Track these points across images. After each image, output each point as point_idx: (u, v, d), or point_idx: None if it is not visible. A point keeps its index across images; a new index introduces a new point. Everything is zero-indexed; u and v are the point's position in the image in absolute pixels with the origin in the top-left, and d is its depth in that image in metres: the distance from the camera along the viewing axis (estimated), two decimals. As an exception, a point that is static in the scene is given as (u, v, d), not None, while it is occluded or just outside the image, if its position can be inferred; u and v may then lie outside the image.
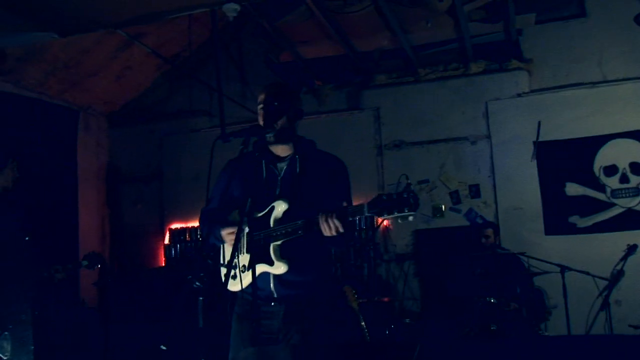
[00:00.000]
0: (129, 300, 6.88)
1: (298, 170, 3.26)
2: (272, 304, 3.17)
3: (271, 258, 3.09)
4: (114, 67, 8.16)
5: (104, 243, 9.04)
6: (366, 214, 2.85)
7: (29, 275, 3.45)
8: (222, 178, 3.47)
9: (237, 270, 3.19)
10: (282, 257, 3.11)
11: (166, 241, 8.85)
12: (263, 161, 3.29)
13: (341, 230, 2.92)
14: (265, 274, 3.13)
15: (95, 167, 9.01)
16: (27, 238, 3.47)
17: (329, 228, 2.92)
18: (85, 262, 5.81)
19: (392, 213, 2.77)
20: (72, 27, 5.81)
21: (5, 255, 3.41)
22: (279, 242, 3.11)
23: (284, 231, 3.07)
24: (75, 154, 8.49)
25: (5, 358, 3.29)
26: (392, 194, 2.78)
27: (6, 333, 3.32)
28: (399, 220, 2.81)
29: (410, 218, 2.79)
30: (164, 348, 5.64)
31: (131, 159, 9.25)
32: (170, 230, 8.84)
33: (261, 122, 3.20)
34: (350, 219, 2.94)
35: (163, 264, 8.72)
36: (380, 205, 2.79)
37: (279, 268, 3.09)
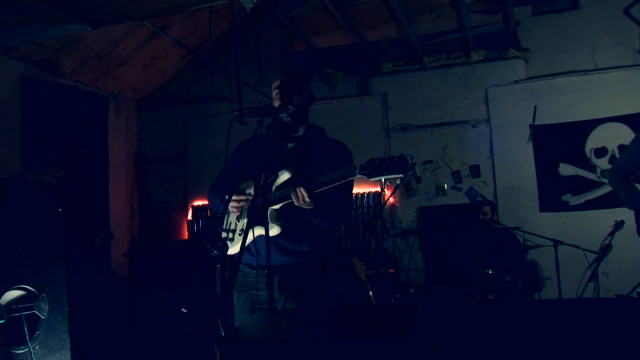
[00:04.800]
0: (156, 269, 6.96)
1: (305, 149, 3.27)
2: (266, 272, 3.16)
3: (267, 220, 3.06)
4: (142, 56, 8.20)
5: (133, 219, 9.14)
6: (357, 176, 2.83)
7: (62, 244, 3.51)
8: (235, 156, 3.49)
9: (235, 234, 3.20)
10: (277, 219, 3.11)
11: (189, 217, 8.91)
12: (274, 141, 3.28)
13: (307, 200, 2.91)
14: (263, 240, 3.05)
15: (124, 149, 9.08)
16: (60, 210, 3.53)
17: (297, 198, 2.93)
18: (101, 235, 5.97)
19: (382, 174, 2.76)
20: (103, 19, 5.84)
21: (42, 226, 3.47)
22: (276, 207, 3.11)
23: (279, 196, 3.06)
24: (106, 137, 8.55)
25: (43, 317, 3.36)
26: (385, 157, 2.77)
27: (43, 295, 3.38)
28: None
29: (398, 181, 2.78)
30: (184, 311, 5.71)
31: (158, 141, 9.31)
32: (193, 207, 8.90)
33: (276, 105, 3.22)
34: (317, 190, 2.92)
35: (186, 238, 8.80)
36: (371, 167, 2.78)
37: (273, 229, 3.07)
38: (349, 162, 3.32)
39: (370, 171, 2.78)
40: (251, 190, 3.20)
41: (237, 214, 3.23)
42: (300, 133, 3.33)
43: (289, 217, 3.10)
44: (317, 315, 2.71)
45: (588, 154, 7.37)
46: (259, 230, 3.09)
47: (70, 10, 5.49)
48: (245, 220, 3.18)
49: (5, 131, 6.78)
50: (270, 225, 3.07)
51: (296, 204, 2.94)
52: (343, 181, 2.88)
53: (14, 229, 3.34)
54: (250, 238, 3.10)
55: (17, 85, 7.02)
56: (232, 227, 3.26)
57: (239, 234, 3.18)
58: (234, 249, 3.20)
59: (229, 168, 3.43)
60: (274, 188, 3.14)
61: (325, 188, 2.91)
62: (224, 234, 3.30)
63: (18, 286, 3.31)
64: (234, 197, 3.20)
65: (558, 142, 7.48)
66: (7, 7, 5.34)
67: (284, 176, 3.14)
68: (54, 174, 5.59)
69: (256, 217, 3.01)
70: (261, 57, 8.70)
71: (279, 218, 3.12)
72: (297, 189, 2.91)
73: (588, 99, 7.42)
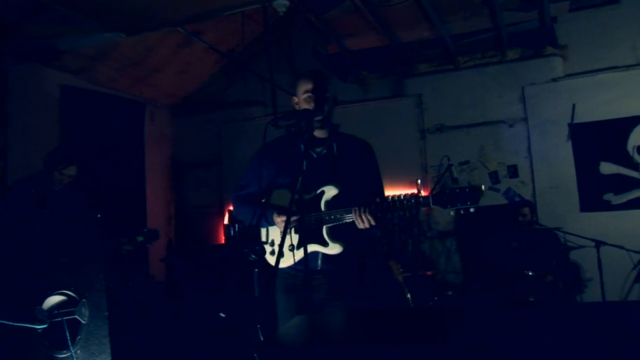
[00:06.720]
0: (192, 274, 7.01)
1: (336, 155, 3.26)
2: (317, 276, 3.20)
3: (325, 239, 3.12)
4: (176, 62, 8.28)
5: (169, 224, 9.23)
6: (431, 206, 2.89)
7: (101, 249, 3.57)
8: (256, 163, 3.44)
9: (285, 249, 3.20)
10: (334, 238, 3.13)
11: (225, 221, 8.96)
12: (302, 145, 3.21)
13: (373, 223, 2.97)
14: (314, 252, 3.16)
15: (160, 155, 9.18)
16: (99, 215, 3.59)
17: (362, 222, 2.97)
18: (140, 238, 5.77)
19: (456, 205, 2.80)
20: (137, 26, 5.94)
21: (80, 232, 3.54)
22: (331, 225, 3.13)
23: (338, 215, 3.08)
24: (143, 142, 8.68)
25: (84, 322, 3.42)
26: (455, 188, 2.81)
27: (84, 300, 3.44)
28: (462, 212, 2.87)
29: (472, 210, 2.82)
30: (223, 315, 5.73)
31: (193, 147, 9.40)
32: (229, 211, 8.94)
33: (308, 107, 3.20)
34: (389, 215, 2.97)
35: (223, 242, 8.84)
36: (445, 197, 2.82)
37: (334, 249, 3.12)
38: (374, 161, 3.38)
39: (445, 201, 2.82)
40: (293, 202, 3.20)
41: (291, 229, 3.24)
42: (325, 136, 3.33)
43: (342, 232, 3.12)
44: (356, 320, 2.69)
45: (630, 152, 7.20)
46: (314, 247, 3.14)
47: (105, 19, 5.60)
48: (295, 236, 3.20)
49: (44, 138, 6.91)
50: (332, 245, 3.13)
51: (360, 227, 2.99)
52: (413, 210, 2.94)
53: (55, 235, 3.40)
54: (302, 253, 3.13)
55: (55, 93, 7.17)
56: (277, 240, 3.27)
57: (289, 249, 3.20)
58: (286, 262, 3.22)
59: (255, 177, 3.42)
60: (323, 205, 3.15)
61: (390, 214, 2.97)
62: (268, 248, 3.34)
63: (59, 291, 3.37)
64: (278, 220, 3.20)
65: (598, 140, 7.33)
66: (46, 18, 5.48)
67: (331, 192, 3.15)
68: (61, 170, 5.38)
69: (310, 235, 3.10)
70: (294, 60, 8.73)
71: (333, 235, 3.15)
72: (363, 215, 2.96)
73: (629, 95, 7.24)
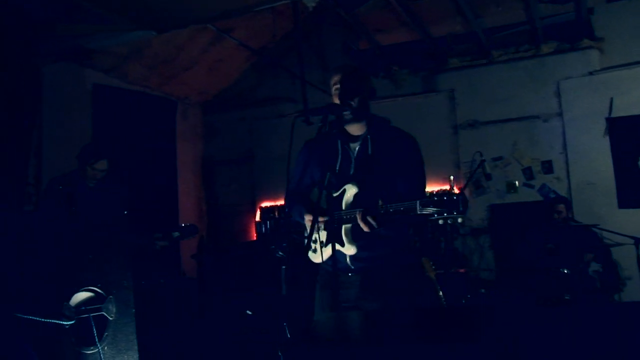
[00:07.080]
0: (223, 271, 7.01)
1: (370, 150, 3.19)
2: (350, 274, 3.17)
3: (342, 240, 3.09)
4: (207, 60, 8.29)
5: (201, 221, 9.26)
6: (417, 213, 2.74)
7: (128, 246, 3.57)
8: (300, 159, 3.45)
9: (317, 245, 3.19)
10: (353, 239, 3.09)
11: (257, 218, 8.97)
12: (338, 141, 3.24)
13: (375, 226, 2.89)
14: (340, 250, 3.13)
15: (192, 152, 9.23)
16: (125, 212, 3.59)
17: (365, 225, 2.91)
18: (176, 234, 5.60)
19: (442, 214, 2.66)
20: (167, 24, 5.95)
21: (108, 228, 3.54)
22: (349, 225, 3.09)
23: (352, 216, 3.02)
24: (174, 140, 8.72)
25: (111, 318, 3.42)
26: (443, 195, 2.67)
27: (111, 297, 3.44)
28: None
29: (460, 220, 2.71)
30: (249, 313, 5.71)
31: (224, 144, 9.42)
32: (261, 208, 8.96)
33: (337, 101, 3.15)
34: (393, 216, 2.87)
35: (255, 239, 8.85)
36: (432, 204, 2.68)
37: (350, 250, 3.09)
38: (417, 157, 3.25)
39: (431, 208, 2.69)
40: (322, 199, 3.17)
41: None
42: (363, 131, 3.25)
43: (363, 232, 3.05)
44: (386, 318, 2.65)
45: (672, 146, 6.98)
46: (337, 246, 3.11)
47: (136, 17, 5.62)
48: (324, 233, 3.20)
49: (77, 136, 6.96)
50: (347, 246, 3.10)
51: (365, 230, 2.93)
52: (405, 215, 2.81)
53: (82, 232, 3.41)
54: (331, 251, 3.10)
55: (88, 92, 7.23)
56: (314, 237, 3.27)
57: (320, 246, 3.19)
58: (317, 259, 3.23)
59: (299, 172, 3.42)
60: (344, 204, 3.11)
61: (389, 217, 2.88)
62: (312, 245, 3.32)
63: (86, 288, 3.38)
64: (306, 218, 3.26)
65: (638, 135, 7.12)
66: (78, 17, 5.53)
67: (352, 191, 3.10)
68: (92, 165, 5.31)
69: (333, 235, 3.08)
70: (325, 56, 8.68)
71: (353, 236, 3.10)
72: (364, 219, 2.91)
73: (671, 87, 7.02)
